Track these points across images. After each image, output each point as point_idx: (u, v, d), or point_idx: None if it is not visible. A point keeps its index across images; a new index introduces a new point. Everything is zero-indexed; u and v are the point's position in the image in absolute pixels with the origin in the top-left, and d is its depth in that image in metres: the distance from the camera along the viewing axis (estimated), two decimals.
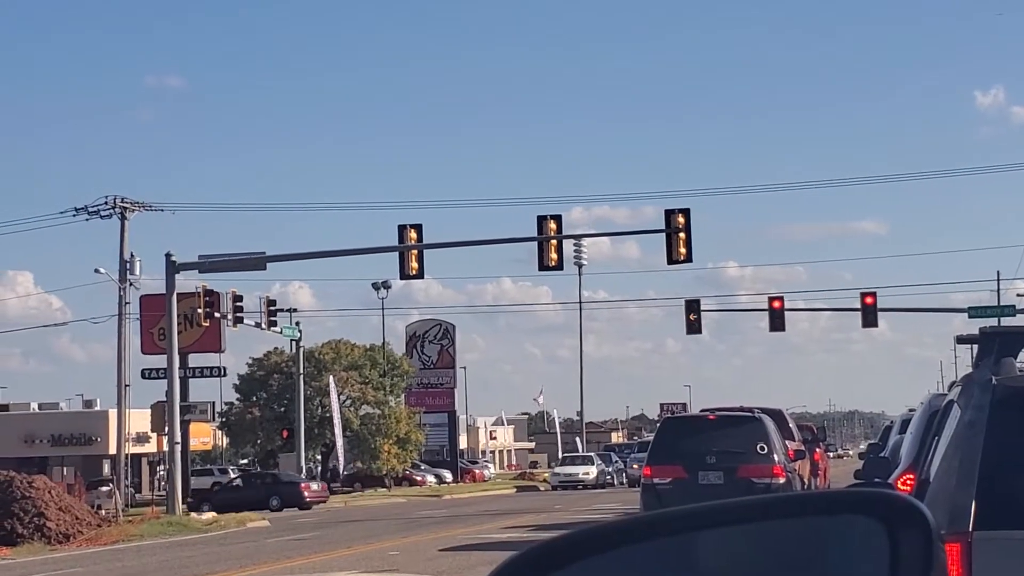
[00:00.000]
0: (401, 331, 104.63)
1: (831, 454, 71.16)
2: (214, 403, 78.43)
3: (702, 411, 36.65)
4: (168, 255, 53.44)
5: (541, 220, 46.57)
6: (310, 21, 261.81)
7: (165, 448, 58.90)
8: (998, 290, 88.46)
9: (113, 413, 71.89)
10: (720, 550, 2.84)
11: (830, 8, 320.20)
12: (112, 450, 76.06)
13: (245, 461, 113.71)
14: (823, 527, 2.79)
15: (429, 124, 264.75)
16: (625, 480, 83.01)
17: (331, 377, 79.45)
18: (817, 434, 47.88)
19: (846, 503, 2.83)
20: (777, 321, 64.07)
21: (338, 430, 78.55)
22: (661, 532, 2.86)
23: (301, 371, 75.45)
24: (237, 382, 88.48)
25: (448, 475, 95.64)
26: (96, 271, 65.97)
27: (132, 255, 63.13)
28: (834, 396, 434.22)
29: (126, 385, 63.56)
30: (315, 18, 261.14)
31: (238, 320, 57.31)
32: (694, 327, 64.09)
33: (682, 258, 44.88)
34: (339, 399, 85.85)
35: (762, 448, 28.80)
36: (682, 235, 44.78)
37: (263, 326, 60.88)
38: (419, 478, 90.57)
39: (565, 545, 2.82)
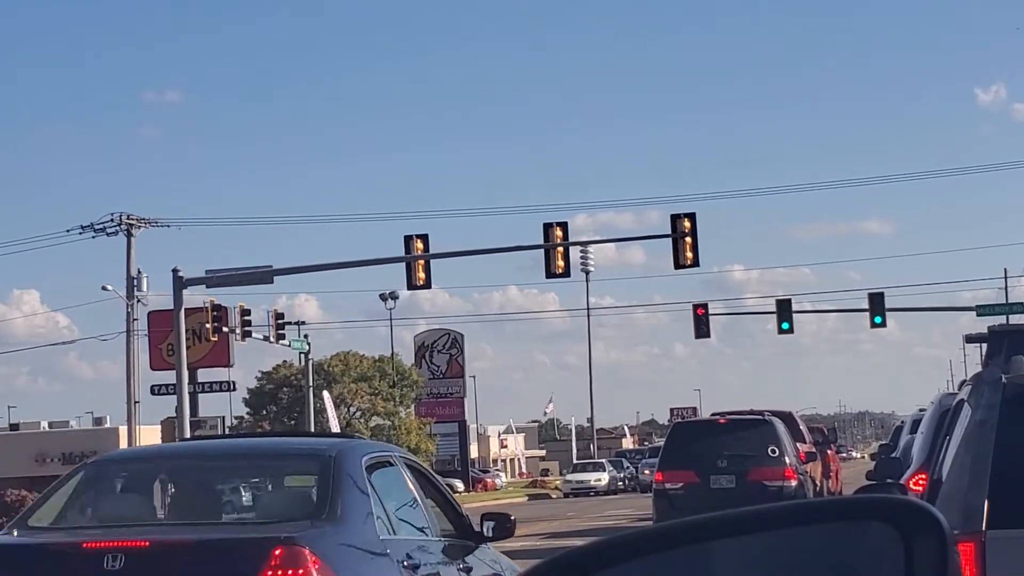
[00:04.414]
0: (409, 341, 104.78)
1: (841, 456, 71.00)
2: (224, 418, 78.47)
3: (712, 415, 36.67)
4: (175, 270, 53.51)
5: (547, 227, 46.55)
6: (311, 32, 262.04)
7: None
8: (1006, 288, 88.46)
9: (123, 430, 71.92)
10: (735, 559, 2.84)
11: (832, 8, 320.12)
12: None
13: None
14: (837, 534, 2.79)
15: (432, 133, 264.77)
16: (637, 486, 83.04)
17: (324, 393, 79.29)
18: (828, 435, 47.82)
19: (860, 509, 2.83)
20: (785, 324, 63.98)
21: None
22: (676, 542, 2.86)
23: (310, 384, 75.47)
24: (247, 396, 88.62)
25: (460, 485, 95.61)
26: (103, 288, 65.97)
27: (139, 271, 63.16)
28: (844, 397, 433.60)
29: (136, 402, 63.60)
30: (317, 28, 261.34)
31: (246, 334, 57.34)
32: (703, 331, 64.06)
33: (689, 262, 44.87)
34: (349, 411, 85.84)
35: (773, 451, 28.81)
36: (688, 239, 44.78)
37: (271, 339, 60.90)
38: None
39: (575, 559, 2.82)
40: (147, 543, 9.29)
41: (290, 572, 8.74)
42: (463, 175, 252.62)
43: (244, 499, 11.59)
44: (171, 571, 9.13)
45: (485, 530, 11.48)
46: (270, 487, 11.37)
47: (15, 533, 10.06)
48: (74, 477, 10.73)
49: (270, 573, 8.74)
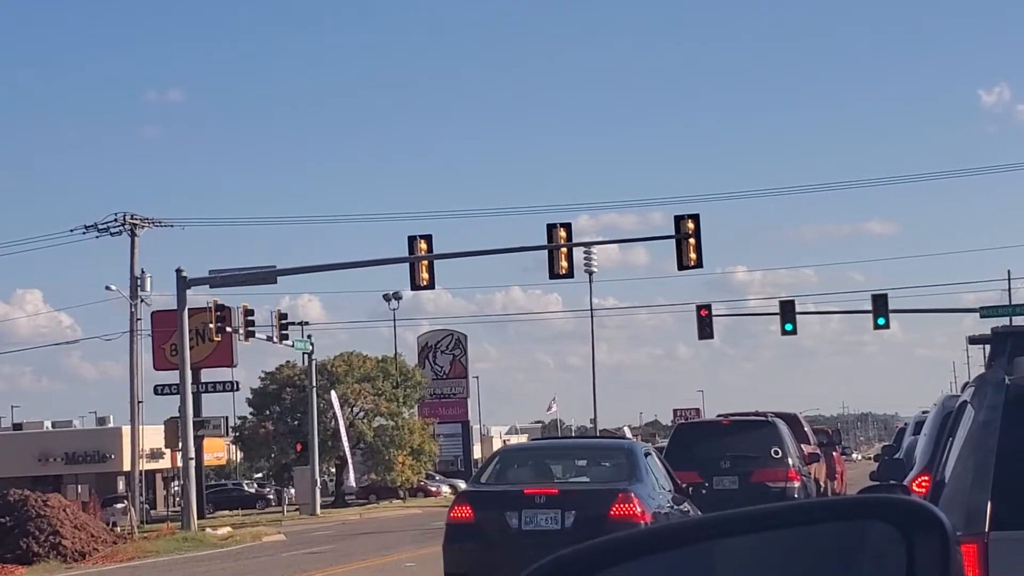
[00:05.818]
0: (412, 342, 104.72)
1: (844, 457, 70.96)
2: (227, 418, 78.46)
3: (716, 416, 36.68)
4: (179, 271, 53.53)
5: (551, 228, 46.52)
6: (313, 32, 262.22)
7: (179, 464, 58.95)
8: (1009, 289, 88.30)
9: (127, 430, 71.99)
10: (738, 558, 2.84)
11: (835, 9, 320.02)
12: (126, 467, 76.18)
13: (259, 475, 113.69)
14: (839, 533, 2.79)
15: (435, 134, 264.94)
16: None
17: (332, 392, 79.24)
18: (832, 437, 47.85)
19: (862, 509, 2.83)
20: (788, 325, 63.94)
21: (346, 444, 78.32)
22: (679, 542, 2.86)
23: (314, 384, 75.43)
24: (250, 396, 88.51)
25: (463, 485, 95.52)
26: (107, 288, 66.05)
27: (143, 271, 63.25)
28: (847, 399, 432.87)
29: (139, 401, 63.68)
30: (319, 29, 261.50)
31: (250, 334, 57.33)
32: (706, 332, 64.04)
33: (692, 263, 44.84)
34: (352, 411, 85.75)
35: (776, 452, 28.80)
36: (692, 240, 44.76)
37: (275, 340, 60.90)
38: (434, 489, 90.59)
39: (580, 557, 2.83)
40: (556, 490, 17.99)
41: (627, 505, 17.31)
42: (467, 176, 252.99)
43: (590, 470, 19.90)
44: (567, 504, 17.50)
45: (688, 490, 20.45)
46: (602, 464, 19.79)
47: (481, 487, 19.00)
48: (495, 458, 20.11)
49: (616, 505, 17.29)
